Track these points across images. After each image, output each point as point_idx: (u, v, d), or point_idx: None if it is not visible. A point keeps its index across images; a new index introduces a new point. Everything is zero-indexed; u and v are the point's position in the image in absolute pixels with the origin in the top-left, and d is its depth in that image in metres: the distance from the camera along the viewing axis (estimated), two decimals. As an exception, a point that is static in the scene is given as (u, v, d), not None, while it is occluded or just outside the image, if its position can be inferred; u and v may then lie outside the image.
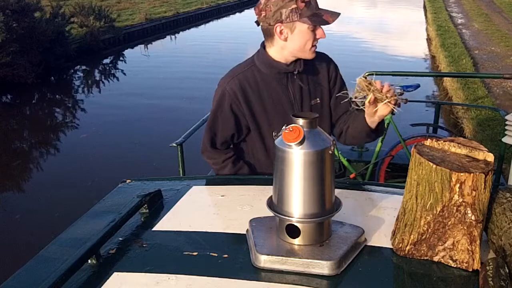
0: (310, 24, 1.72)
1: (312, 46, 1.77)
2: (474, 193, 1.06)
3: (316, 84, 1.89)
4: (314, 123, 1.18)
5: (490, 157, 1.12)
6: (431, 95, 8.49)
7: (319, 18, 1.73)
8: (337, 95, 1.89)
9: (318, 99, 1.89)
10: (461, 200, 1.07)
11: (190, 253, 1.20)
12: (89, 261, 1.17)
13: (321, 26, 1.75)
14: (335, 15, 1.75)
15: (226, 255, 1.18)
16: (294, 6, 1.71)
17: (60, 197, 5.24)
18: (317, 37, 1.76)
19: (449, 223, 1.10)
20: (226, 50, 12.94)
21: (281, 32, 1.77)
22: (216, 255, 1.18)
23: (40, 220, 4.76)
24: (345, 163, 3.67)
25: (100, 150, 6.52)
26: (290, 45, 1.78)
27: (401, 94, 4.18)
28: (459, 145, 1.17)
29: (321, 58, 1.92)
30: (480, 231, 1.09)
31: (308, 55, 1.80)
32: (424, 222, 1.12)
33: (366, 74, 3.85)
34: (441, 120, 5.53)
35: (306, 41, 1.76)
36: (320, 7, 1.75)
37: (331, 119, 1.97)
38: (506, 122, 2.61)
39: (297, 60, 1.82)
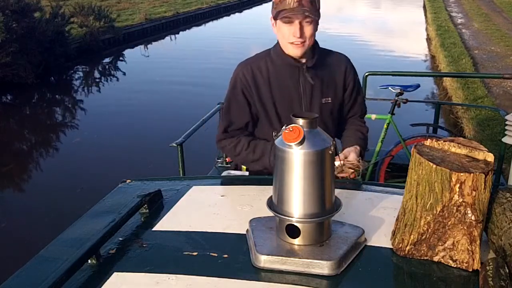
0: (276, 19, 1.75)
1: (291, 43, 1.77)
2: (474, 193, 1.06)
3: (330, 83, 1.90)
4: (314, 123, 1.18)
5: (490, 157, 1.12)
6: (431, 95, 8.50)
7: (285, 14, 1.72)
8: None
9: (329, 98, 1.89)
10: (461, 200, 1.07)
11: (190, 253, 1.20)
12: (89, 261, 1.16)
13: (300, 24, 1.73)
14: (300, 13, 1.71)
15: (226, 255, 1.18)
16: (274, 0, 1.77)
17: (46, 205, 5.08)
18: (291, 34, 1.75)
19: (449, 223, 1.10)
20: (229, 49, 12.94)
21: (273, 25, 1.84)
22: (216, 255, 1.18)
23: (21, 231, 4.62)
24: (345, 163, 3.66)
25: (91, 155, 6.38)
26: (278, 38, 1.84)
27: (401, 94, 4.19)
28: (459, 145, 1.17)
29: (340, 58, 1.94)
30: (480, 231, 1.09)
31: (290, 51, 1.81)
32: (424, 222, 1.12)
33: (366, 74, 3.86)
34: (441, 120, 5.54)
35: (282, 36, 1.79)
36: (295, 5, 1.70)
37: (339, 120, 1.98)
38: (506, 122, 2.61)
39: (303, 56, 1.83)
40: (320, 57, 1.87)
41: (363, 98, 2.05)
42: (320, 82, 1.87)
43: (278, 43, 1.88)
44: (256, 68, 1.87)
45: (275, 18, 1.77)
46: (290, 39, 1.77)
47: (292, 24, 1.74)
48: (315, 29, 1.79)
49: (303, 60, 1.84)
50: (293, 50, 1.79)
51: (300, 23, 1.73)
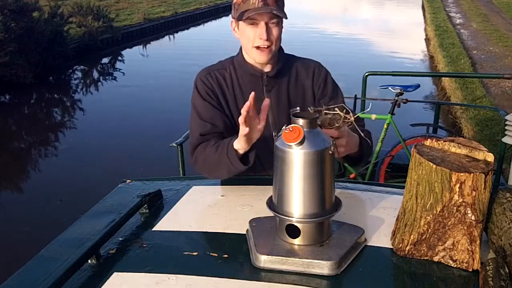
0: (240, 20, 1.60)
1: (257, 47, 1.62)
2: (474, 193, 1.06)
3: (298, 92, 1.75)
4: (314, 123, 1.18)
5: (490, 157, 1.12)
6: (430, 95, 8.51)
7: (250, 15, 1.56)
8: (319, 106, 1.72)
9: (298, 107, 1.76)
10: (461, 200, 1.07)
11: (190, 253, 1.20)
12: (89, 261, 1.16)
13: (266, 25, 1.59)
14: (267, 13, 1.56)
15: (226, 255, 1.18)
16: (234, 0, 1.62)
17: (25, 217, 4.91)
18: (257, 36, 1.60)
19: (449, 223, 1.10)
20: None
21: (234, 29, 1.69)
22: (216, 255, 1.18)
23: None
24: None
25: (87, 158, 6.30)
26: (242, 43, 1.69)
27: (401, 94, 4.19)
28: (459, 145, 1.17)
29: (308, 65, 1.79)
30: (480, 231, 1.09)
31: (256, 57, 1.65)
32: (424, 222, 1.12)
33: (366, 74, 3.87)
34: (440, 120, 5.56)
35: (247, 39, 1.64)
36: (261, 5, 1.55)
37: None
38: (506, 122, 2.62)
39: (268, 63, 1.69)
40: (284, 65, 1.73)
41: (343, 100, 1.82)
42: (286, 91, 1.73)
43: (240, 51, 1.74)
44: (222, 78, 1.72)
45: (238, 19, 1.61)
46: (255, 43, 1.61)
47: (258, 25, 1.59)
48: (281, 31, 1.65)
49: (266, 69, 1.70)
50: (259, 56, 1.64)
51: (266, 24, 1.59)
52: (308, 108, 1.26)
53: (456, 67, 9.07)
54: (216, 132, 1.66)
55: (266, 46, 1.62)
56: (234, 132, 1.63)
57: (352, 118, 1.31)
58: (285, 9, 1.66)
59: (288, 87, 1.74)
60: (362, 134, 1.46)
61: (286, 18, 1.61)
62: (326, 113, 1.30)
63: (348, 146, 1.44)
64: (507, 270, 1.00)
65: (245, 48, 1.69)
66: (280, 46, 1.71)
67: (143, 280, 1.11)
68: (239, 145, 1.47)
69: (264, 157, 1.66)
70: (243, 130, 1.38)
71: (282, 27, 1.66)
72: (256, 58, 1.66)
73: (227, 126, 1.69)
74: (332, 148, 1.16)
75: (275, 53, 1.69)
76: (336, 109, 1.32)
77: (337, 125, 1.32)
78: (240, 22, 1.62)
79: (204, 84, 1.71)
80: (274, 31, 1.62)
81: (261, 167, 1.73)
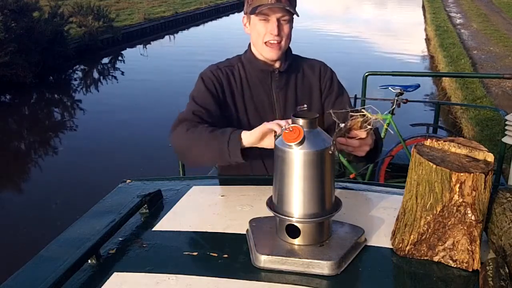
0: (252, 15, 1.63)
1: (266, 42, 1.65)
2: (474, 193, 1.06)
3: (305, 90, 1.78)
4: (314, 123, 1.18)
5: (490, 157, 1.12)
6: (430, 95, 8.51)
7: (263, 10, 1.60)
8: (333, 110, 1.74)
9: (305, 105, 1.78)
10: (461, 200, 1.07)
11: (190, 253, 1.20)
12: (89, 261, 1.16)
13: (277, 21, 1.62)
14: (279, 8, 1.60)
15: (226, 255, 1.18)
16: None
17: (25, 217, 4.90)
18: (268, 31, 1.64)
19: (449, 223, 1.10)
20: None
21: (245, 25, 1.73)
22: (216, 255, 1.18)
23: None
24: (345, 163, 3.67)
25: (79, 162, 6.24)
26: (251, 39, 1.72)
27: (401, 94, 4.19)
28: (459, 145, 1.17)
29: (314, 64, 1.82)
30: (480, 231, 1.09)
31: (265, 53, 1.68)
32: (424, 222, 1.12)
33: (366, 74, 3.87)
34: (440, 120, 5.56)
35: (257, 34, 1.67)
36: (273, 1, 1.59)
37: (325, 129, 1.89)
38: (506, 122, 2.62)
39: (277, 60, 1.71)
40: (292, 62, 1.76)
41: (348, 99, 1.86)
42: (294, 88, 1.76)
43: (248, 48, 1.77)
44: (231, 74, 1.73)
45: (250, 13, 1.64)
46: (266, 38, 1.65)
47: (269, 21, 1.63)
48: (291, 29, 1.68)
49: (276, 65, 1.73)
50: (269, 53, 1.67)
51: (278, 20, 1.62)
52: (330, 111, 1.26)
53: (456, 67, 9.07)
54: (206, 120, 1.61)
55: (276, 42, 1.65)
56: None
57: (380, 118, 1.31)
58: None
59: (296, 85, 1.77)
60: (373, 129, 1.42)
61: (298, 15, 1.65)
62: (352, 115, 1.30)
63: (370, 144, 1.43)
64: (507, 270, 1.00)
65: (255, 44, 1.71)
66: (289, 46, 1.74)
67: (143, 280, 1.11)
68: (251, 137, 1.42)
69: (267, 155, 1.66)
70: (274, 125, 1.33)
71: (292, 25, 1.69)
72: (266, 54, 1.68)
73: (218, 121, 1.64)
74: (332, 148, 1.16)
75: (284, 51, 1.71)
76: (362, 110, 1.31)
77: (369, 127, 1.32)
78: (252, 17, 1.65)
79: (213, 75, 1.72)
80: (285, 27, 1.65)
81: (263, 166, 1.73)
